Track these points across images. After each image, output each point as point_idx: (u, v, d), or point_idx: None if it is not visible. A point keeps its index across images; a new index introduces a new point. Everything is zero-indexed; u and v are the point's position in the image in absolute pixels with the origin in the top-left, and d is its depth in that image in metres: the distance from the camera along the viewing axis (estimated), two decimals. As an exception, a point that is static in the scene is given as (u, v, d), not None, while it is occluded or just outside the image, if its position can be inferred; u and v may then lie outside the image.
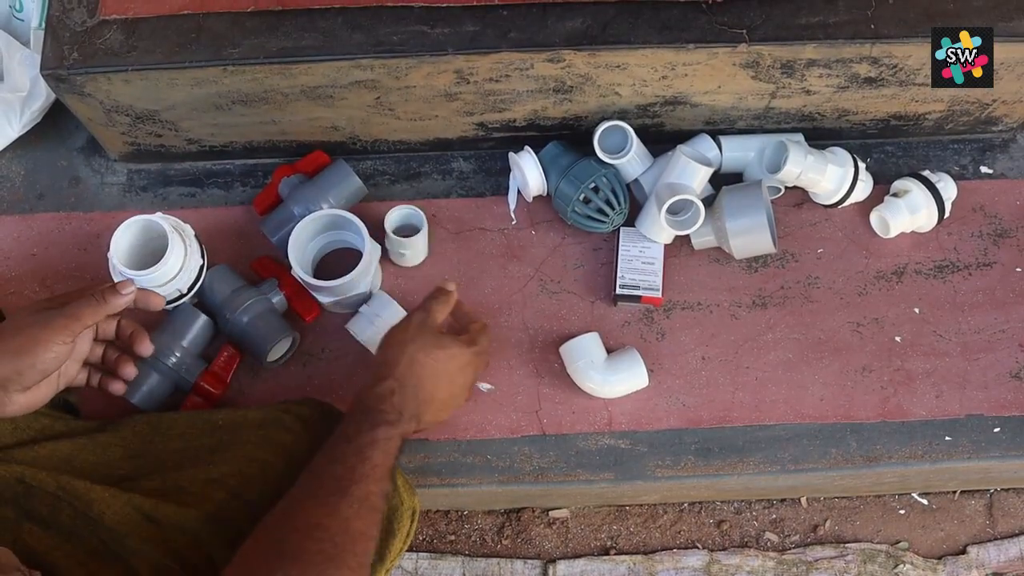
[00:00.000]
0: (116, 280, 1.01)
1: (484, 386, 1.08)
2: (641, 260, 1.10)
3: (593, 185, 1.08)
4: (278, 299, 1.07)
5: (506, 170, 1.17)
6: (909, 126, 1.17)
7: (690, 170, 1.06)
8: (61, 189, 1.18)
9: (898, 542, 1.27)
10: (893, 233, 1.13)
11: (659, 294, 1.10)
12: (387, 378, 0.86)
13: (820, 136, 1.16)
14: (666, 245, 1.11)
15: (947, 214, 1.13)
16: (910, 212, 1.11)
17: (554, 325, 1.11)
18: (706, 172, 1.06)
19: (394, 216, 1.10)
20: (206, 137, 1.14)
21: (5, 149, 1.18)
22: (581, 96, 1.07)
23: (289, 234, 1.04)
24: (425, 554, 1.28)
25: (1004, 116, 1.16)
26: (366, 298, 1.09)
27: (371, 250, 1.04)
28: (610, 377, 1.06)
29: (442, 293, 0.95)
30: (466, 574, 1.26)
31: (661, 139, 1.14)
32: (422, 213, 1.10)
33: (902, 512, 1.28)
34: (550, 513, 1.30)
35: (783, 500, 1.29)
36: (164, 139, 1.13)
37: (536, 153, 1.11)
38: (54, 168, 1.19)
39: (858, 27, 1.00)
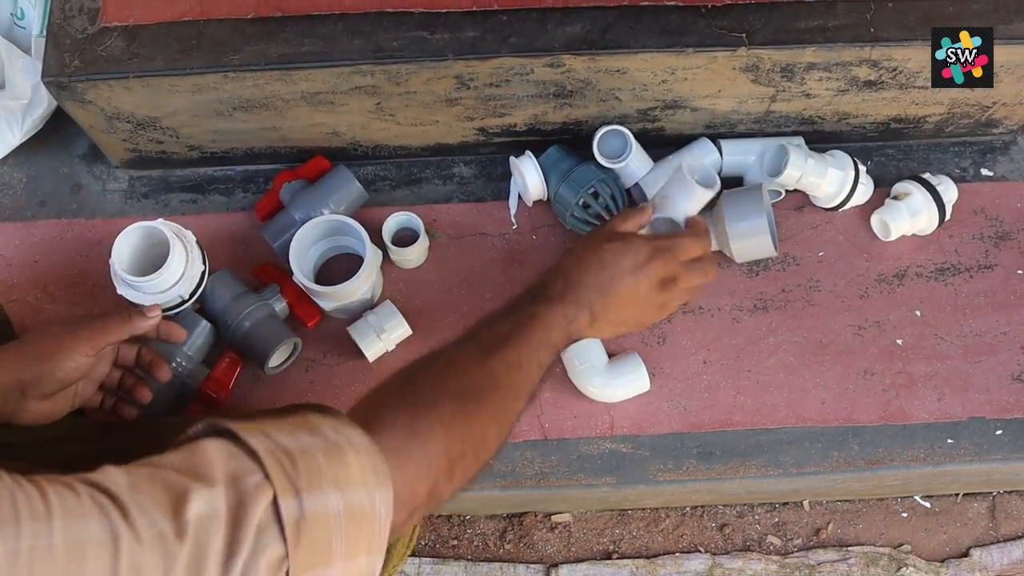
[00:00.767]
0: (118, 287, 1.01)
1: None
2: None
3: (592, 190, 1.08)
4: (280, 305, 1.07)
5: (507, 175, 1.17)
6: (909, 129, 1.17)
7: (689, 191, 1.00)
8: (63, 196, 1.18)
9: (901, 545, 1.27)
10: (894, 236, 1.13)
11: None
12: (558, 267, 0.82)
13: (820, 139, 1.16)
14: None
15: (948, 217, 1.13)
16: (911, 215, 1.11)
17: (555, 329, 1.11)
18: (705, 195, 1.01)
19: (392, 222, 1.10)
20: (207, 143, 1.14)
21: (7, 156, 1.19)
22: (581, 101, 1.07)
23: (290, 240, 1.04)
24: (428, 559, 1.28)
25: (1004, 118, 1.16)
26: (368, 303, 1.09)
27: (372, 255, 1.04)
28: (612, 381, 1.06)
29: (636, 208, 0.90)
30: (468, 579, 1.26)
31: (661, 143, 1.14)
32: (419, 219, 1.10)
33: (904, 515, 1.28)
34: (552, 517, 1.30)
35: (785, 503, 1.28)
36: (165, 145, 1.13)
37: (537, 157, 1.11)
38: (56, 175, 1.19)
39: (857, 30, 1.00)
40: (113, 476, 0.47)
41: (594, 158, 1.09)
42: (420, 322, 1.10)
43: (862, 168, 1.12)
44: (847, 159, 1.11)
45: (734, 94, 1.07)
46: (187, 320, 1.04)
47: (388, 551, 0.88)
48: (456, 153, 1.19)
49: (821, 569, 1.24)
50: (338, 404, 1.00)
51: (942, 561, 1.26)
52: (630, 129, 1.09)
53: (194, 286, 1.04)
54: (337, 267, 1.13)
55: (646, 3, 1.00)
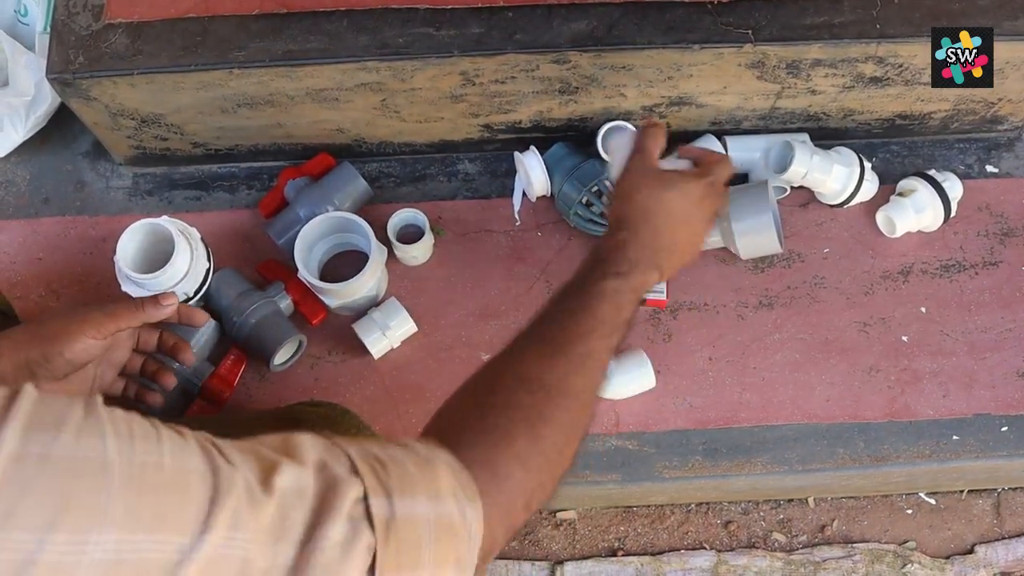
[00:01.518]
0: (123, 284, 1.01)
1: None
2: None
3: (596, 188, 1.08)
4: (284, 302, 1.07)
5: (512, 172, 1.17)
6: (915, 125, 1.17)
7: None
8: (66, 193, 1.18)
9: (906, 542, 1.27)
10: (899, 233, 1.13)
11: (663, 296, 1.10)
12: (621, 229, 0.79)
13: (826, 136, 1.16)
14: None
15: (953, 213, 1.13)
16: (916, 211, 1.11)
17: (560, 326, 1.11)
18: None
19: (397, 219, 1.10)
20: (211, 140, 1.14)
21: (10, 154, 1.18)
22: (587, 97, 1.07)
23: (295, 237, 1.04)
24: (432, 556, 1.27)
25: (1010, 115, 1.16)
26: (373, 300, 1.09)
27: (377, 252, 1.04)
28: (617, 378, 1.05)
29: (651, 126, 0.86)
30: (473, 576, 1.26)
31: (667, 140, 1.14)
32: (424, 216, 1.10)
33: (909, 512, 1.28)
34: (557, 514, 1.30)
35: (790, 500, 1.28)
36: (169, 143, 1.13)
37: (542, 154, 1.11)
38: (59, 172, 1.19)
39: (863, 27, 1.00)
40: (210, 437, 0.48)
41: (598, 155, 1.09)
42: (425, 319, 1.10)
43: (867, 164, 1.12)
44: (852, 155, 1.11)
45: (739, 90, 1.07)
46: (192, 317, 1.04)
47: None
48: (461, 150, 1.19)
49: (826, 566, 1.24)
50: (343, 401, 1.01)
51: (947, 558, 1.26)
52: (635, 125, 1.09)
53: (199, 283, 1.03)
54: (342, 264, 1.13)
55: (652, -1, 1.00)
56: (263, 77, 1.01)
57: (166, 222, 1.00)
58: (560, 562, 1.26)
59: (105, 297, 1.11)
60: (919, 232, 1.15)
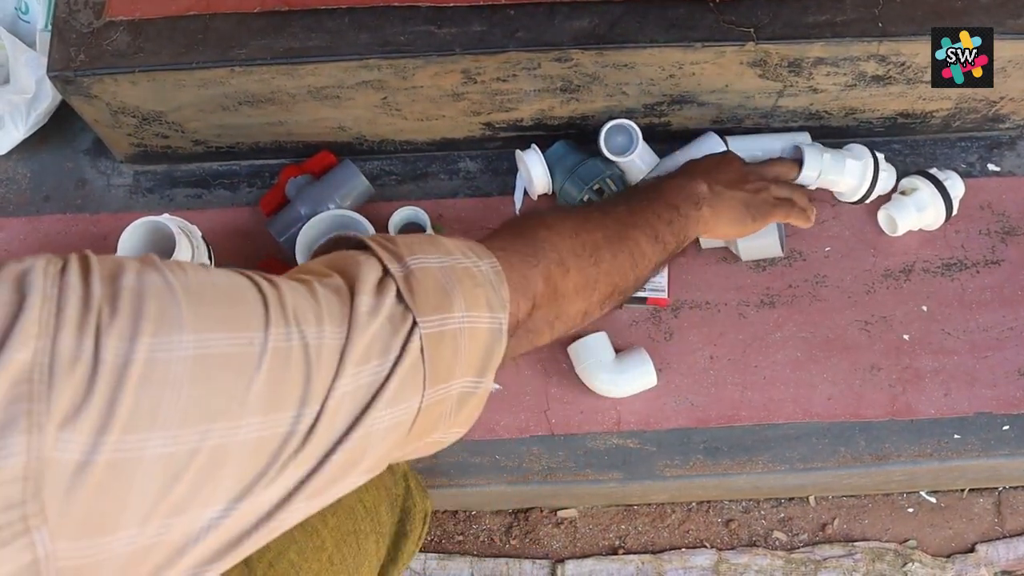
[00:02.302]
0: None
1: (493, 386, 1.07)
2: None
3: (597, 187, 1.08)
4: (285, 300, 1.07)
5: (513, 170, 1.17)
6: (916, 124, 1.16)
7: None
8: (67, 191, 1.18)
9: (907, 540, 1.27)
10: (901, 231, 1.13)
11: (665, 295, 1.09)
12: (696, 180, 0.88)
13: (828, 134, 1.16)
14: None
15: (955, 212, 1.12)
16: (917, 210, 1.11)
17: (562, 325, 1.11)
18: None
19: (398, 217, 1.10)
20: (212, 138, 1.13)
21: (11, 151, 1.18)
22: (588, 95, 1.07)
23: (296, 235, 1.04)
24: (433, 555, 1.28)
25: (1012, 114, 1.16)
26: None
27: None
28: (618, 377, 1.05)
29: (778, 161, 1.04)
30: (474, 574, 1.26)
31: (668, 138, 1.14)
32: (425, 214, 1.10)
33: (910, 510, 1.28)
34: (558, 513, 1.30)
35: (791, 499, 1.28)
36: (170, 140, 1.13)
37: (544, 151, 1.11)
38: (60, 170, 1.19)
39: (865, 25, 1.00)
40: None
41: (600, 153, 1.09)
42: (426, 317, 1.10)
43: (880, 156, 1.12)
44: (863, 149, 1.11)
45: (741, 89, 1.07)
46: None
47: (396, 549, 0.87)
48: (462, 148, 1.18)
49: (827, 564, 1.24)
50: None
51: (948, 556, 1.26)
52: (637, 123, 1.09)
53: (200, 281, 1.03)
54: (343, 262, 1.12)
55: (654, -3, 1.00)
56: (264, 75, 1.01)
57: (167, 220, 1.00)
58: (561, 560, 1.27)
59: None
60: (920, 231, 1.15)
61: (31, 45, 1.14)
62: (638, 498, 1.26)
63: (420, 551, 1.28)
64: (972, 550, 1.26)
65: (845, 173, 1.08)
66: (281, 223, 1.10)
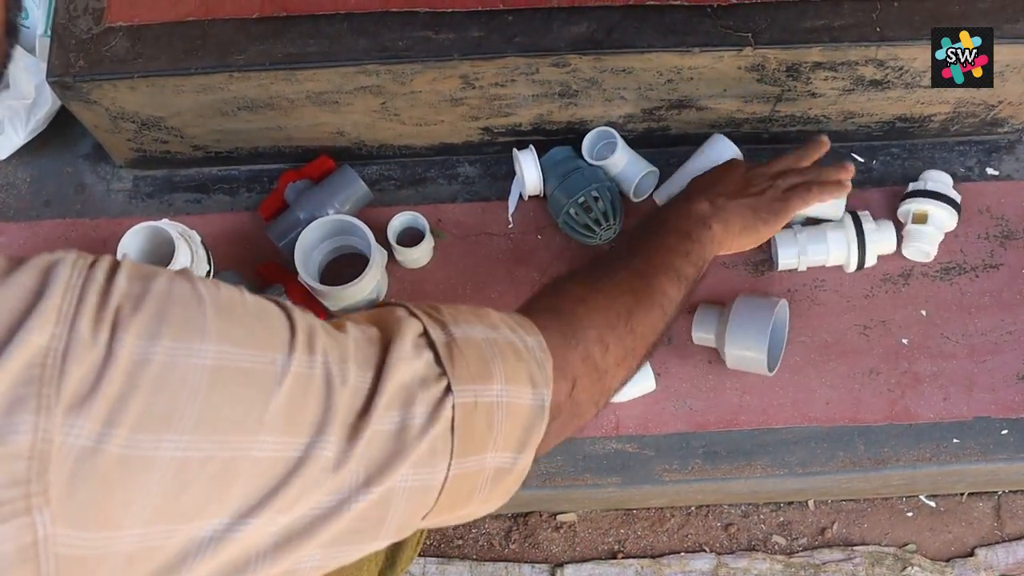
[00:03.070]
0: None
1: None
2: None
3: (583, 200, 1.07)
4: (284, 305, 1.07)
5: (511, 174, 1.17)
6: (915, 128, 1.16)
7: None
8: (67, 196, 1.18)
9: (906, 544, 1.27)
10: (934, 254, 1.12)
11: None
12: (700, 202, 0.88)
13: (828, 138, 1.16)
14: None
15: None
16: (941, 230, 1.11)
17: (560, 329, 1.11)
18: None
19: (397, 222, 1.10)
20: (212, 143, 1.14)
21: (11, 156, 1.18)
22: (587, 100, 1.07)
23: (295, 239, 1.04)
24: (433, 559, 1.28)
25: (1010, 117, 1.16)
26: (373, 303, 1.09)
27: (377, 255, 1.04)
28: (617, 381, 1.05)
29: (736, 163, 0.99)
30: (473, 579, 1.26)
31: (667, 143, 1.14)
32: (425, 219, 1.10)
33: (910, 514, 1.28)
34: (557, 517, 1.30)
35: (790, 503, 1.28)
36: (170, 145, 1.13)
37: (544, 154, 1.11)
38: (60, 175, 1.19)
39: (863, 30, 1.00)
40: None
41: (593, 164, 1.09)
42: (425, 322, 1.10)
43: (865, 217, 1.08)
44: (840, 207, 1.08)
45: (739, 93, 1.07)
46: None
47: (395, 555, 0.87)
48: (461, 153, 1.19)
49: (826, 569, 1.24)
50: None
51: (947, 561, 1.26)
52: (635, 129, 1.09)
53: (199, 286, 1.03)
54: (342, 267, 1.13)
55: (652, 3, 1.00)
56: (263, 80, 1.01)
57: (166, 225, 1.00)
58: (560, 564, 1.27)
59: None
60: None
61: (31, 51, 1.15)
62: (637, 502, 1.26)
63: (419, 555, 1.28)
64: (971, 554, 1.26)
65: (831, 248, 1.07)
66: (280, 228, 1.10)
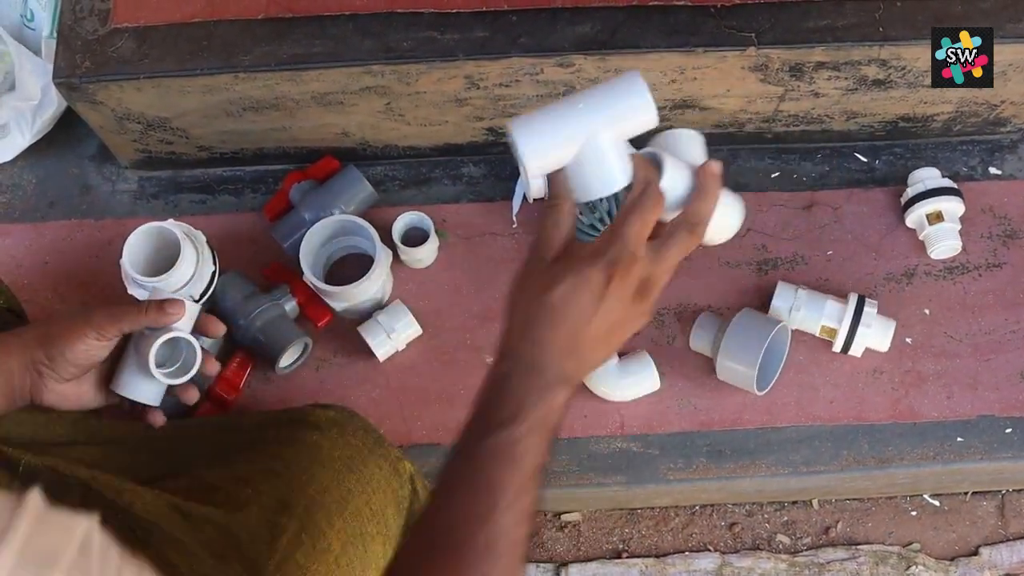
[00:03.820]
0: (129, 288, 1.01)
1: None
2: None
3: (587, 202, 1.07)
4: (290, 305, 1.07)
5: (516, 175, 1.17)
6: (917, 128, 1.17)
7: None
8: (72, 197, 1.18)
9: (910, 544, 1.26)
10: (960, 245, 1.12)
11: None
12: (502, 359, 0.64)
13: (829, 139, 1.16)
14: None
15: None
16: (957, 221, 1.12)
17: (565, 329, 1.11)
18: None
19: (402, 222, 1.10)
20: (217, 144, 1.14)
21: (17, 157, 1.19)
22: (590, 100, 1.07)
23: (300, 240, 1.05)
24: (437, 558, 1.27)
25: (1013, 117, 1.16)
26: (378, 303, 1.09)
27: (382, 255, 1.04)
28: (622, 380, 1.06)
29: (551, 210, 0.69)
30: (478, 578, 1.26)
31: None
32: (429, 219, 1.10)
33: (914, 513, 1.28)
34: (562, 517, 1.30)
35: (795, 502, 1.28)
36: (175, 146, 1.14)
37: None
38: (65, 176, 1.20)
39: (866, 29, 1.00)
40: None
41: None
42: (430, 322, 1.10)
43: (870, 311, 1.06)
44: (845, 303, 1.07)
45: (743, 93, 1.07)
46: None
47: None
48: (465, 153, 1.19)
49: (830, 568, 1.24)
50: (349, 403, 1.01)
51: (951, 560, 1.26)
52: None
53: (205, 287, 1.03)
54: (347, 267, 1.13)
55: (656, 3, 1.01)
56: (268, 81, 1.01)
57: (172, 225, 1.00)
58: (564, 564, 1.27)
59: (111, 300, 1.11)
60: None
61: (37, 52, 1.15)
62: (641, 502, 1.26)
63: (424, 555, 1.27)
64: (976, 553, 1.26)
65: (824, 316, 1.07)
66: (285, 228, 1.11)
